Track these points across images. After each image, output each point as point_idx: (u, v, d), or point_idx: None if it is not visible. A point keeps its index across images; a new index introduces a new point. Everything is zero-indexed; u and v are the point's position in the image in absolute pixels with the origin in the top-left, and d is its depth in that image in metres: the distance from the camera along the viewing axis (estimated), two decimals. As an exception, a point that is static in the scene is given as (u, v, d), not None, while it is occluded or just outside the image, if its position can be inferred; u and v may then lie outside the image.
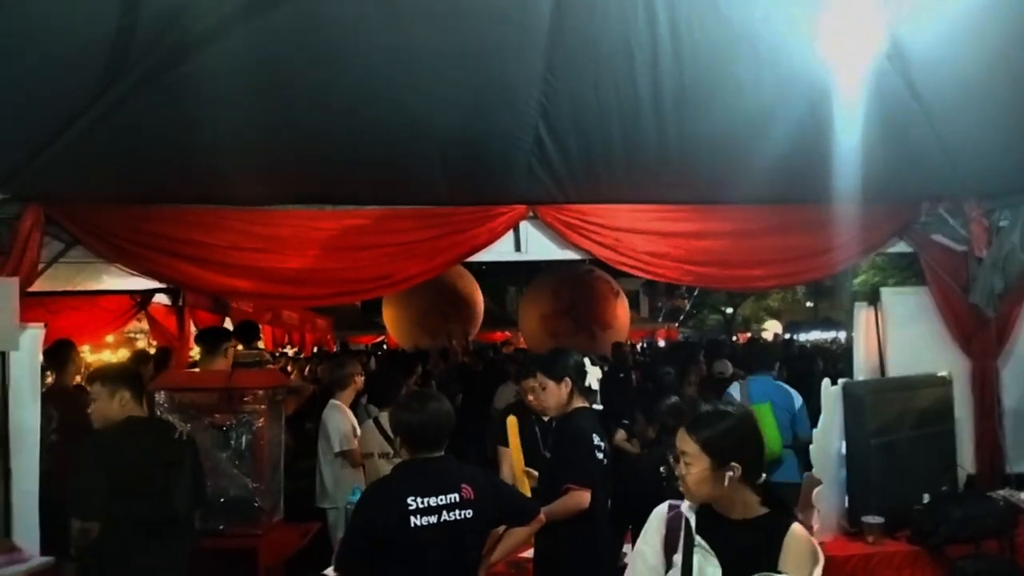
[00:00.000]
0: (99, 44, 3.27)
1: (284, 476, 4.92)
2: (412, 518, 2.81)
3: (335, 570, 2.76)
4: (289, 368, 10.44)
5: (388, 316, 14.67)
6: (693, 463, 2.36)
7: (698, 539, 2.36)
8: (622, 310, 12.98)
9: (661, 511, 2.50)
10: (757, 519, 2.37)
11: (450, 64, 3.72)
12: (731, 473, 2.34)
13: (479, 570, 3.07)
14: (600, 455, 3.56)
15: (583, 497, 3.41)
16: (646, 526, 2.52)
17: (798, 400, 5.99)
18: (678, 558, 2.37)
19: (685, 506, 2.45)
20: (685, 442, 2.39)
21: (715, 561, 2.30)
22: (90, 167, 4.15)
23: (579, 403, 3.66)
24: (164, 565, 3.73)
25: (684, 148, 4.25)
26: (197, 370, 6.50)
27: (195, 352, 10.18)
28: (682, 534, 2.40)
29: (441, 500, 2.88)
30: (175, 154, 4.09)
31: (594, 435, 3.55)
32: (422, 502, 2.84)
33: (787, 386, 6.18)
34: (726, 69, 3.82)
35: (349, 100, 3.88)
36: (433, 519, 2.84)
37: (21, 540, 4.01)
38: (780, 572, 2.19)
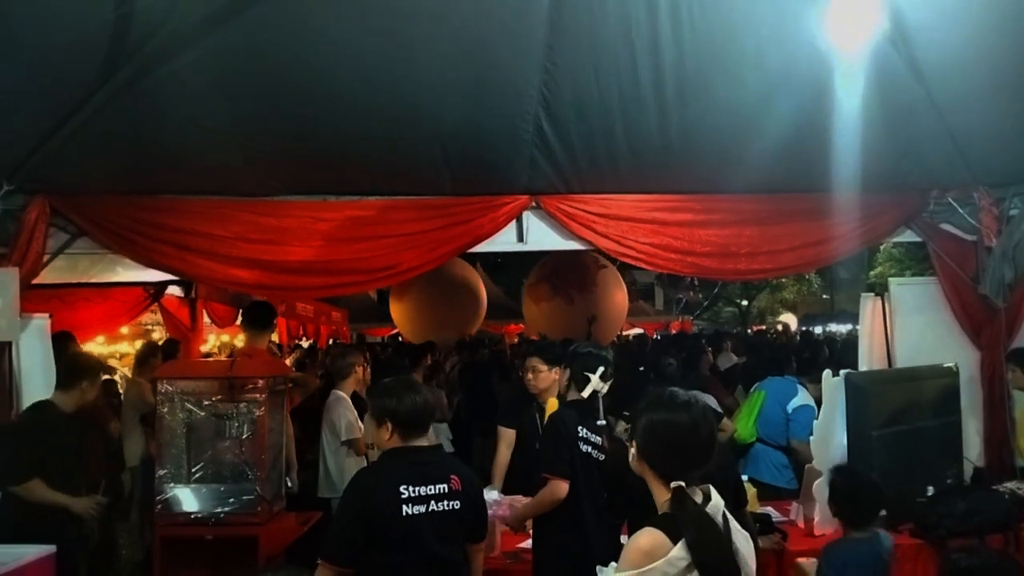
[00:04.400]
0: (98, 35, 3.30)
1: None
2: (404, 507, 2.80)
3: (327, 561, 2.71)
4: (305, 360, 10.46)
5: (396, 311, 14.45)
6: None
7: None
8: (612, 279, 12.74)
9: None
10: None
11: (450, 55, 3.72)
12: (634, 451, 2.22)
13: (470, 563, 3.06)
14: (588, 448, 3.50)
15: (560, 487, 3.39)
16: None
17: (799, 401, 5.34)
18: None
19: None
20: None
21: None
22: (94, 158, 4.19)
23: (572, 396, 3.62)
24: None
25: (686, 136, 4.23)
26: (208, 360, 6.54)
27: (212, 343, 10.46)
28: None
29: (431, 490, 2.87)
30: (178, 145, 4.11)
31: (580, 427, 3.50)
32: (413, 491, 2.83)
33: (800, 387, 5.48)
34: (727, 56, 3.79)
35: (351, 91, 3.89)
36: (423, 508, 2.83)
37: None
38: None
